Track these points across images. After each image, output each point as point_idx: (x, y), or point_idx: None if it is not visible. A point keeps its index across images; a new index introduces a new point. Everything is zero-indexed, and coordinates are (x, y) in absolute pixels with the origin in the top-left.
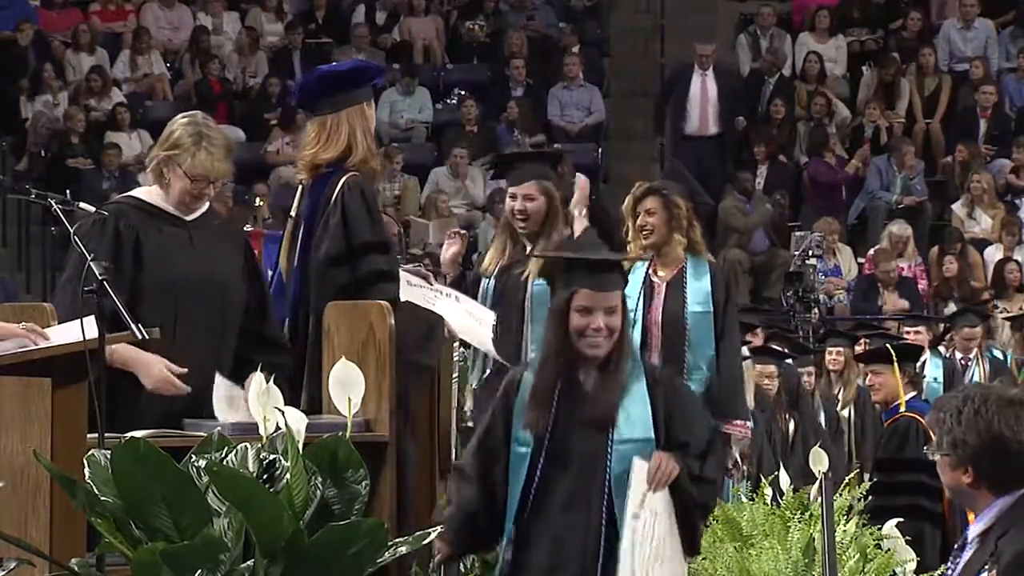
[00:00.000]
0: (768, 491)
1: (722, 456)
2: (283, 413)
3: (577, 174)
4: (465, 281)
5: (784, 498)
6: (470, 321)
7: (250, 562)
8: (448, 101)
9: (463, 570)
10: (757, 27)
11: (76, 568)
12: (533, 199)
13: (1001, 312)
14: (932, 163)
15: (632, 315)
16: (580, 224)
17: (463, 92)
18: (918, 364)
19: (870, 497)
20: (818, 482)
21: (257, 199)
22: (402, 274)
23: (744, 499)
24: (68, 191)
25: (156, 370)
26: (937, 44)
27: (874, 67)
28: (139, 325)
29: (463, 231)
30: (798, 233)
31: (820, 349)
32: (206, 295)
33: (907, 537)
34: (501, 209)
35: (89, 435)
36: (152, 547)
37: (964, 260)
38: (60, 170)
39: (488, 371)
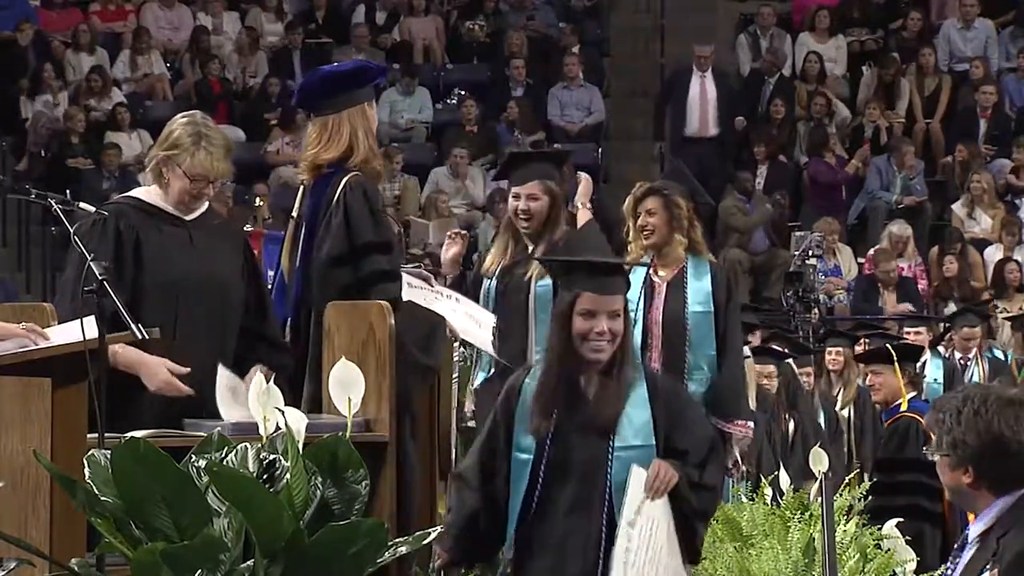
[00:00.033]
0: (768, 491)
1: (723, 462)
2: (283, 413)
3: (579, 172)
4: (465, 281)
5: (784, 498)
6: (470, 323)
7: (250, 562)
8: (448, 101)
9: (464, 572)
10: (757, 27)
11: (76, 568)
12: (537, 199)
13: (1001, 312)
14: (932, 163)
15: (633, 315)
16: (584, 216)
17: (463, 92)
18: (918, 364)
19: (870, 497)
20: (818, 482)
21: (257, 199)
22: (403, 275)
23: (744, 499)
24: (68, 191)
25: (159, 372)
26: (937, 44)
27: (874, 67)
28: (139, 325)
29: (463, 232)
30: (798, 233)
31: (820, 349)
32: (206, 295)
33: (907, 537)
34: (501, 209)
35: (89, 435)
36: (152, 547)
37: (964, 260)
38: (60, 170)
39: (491, 371)
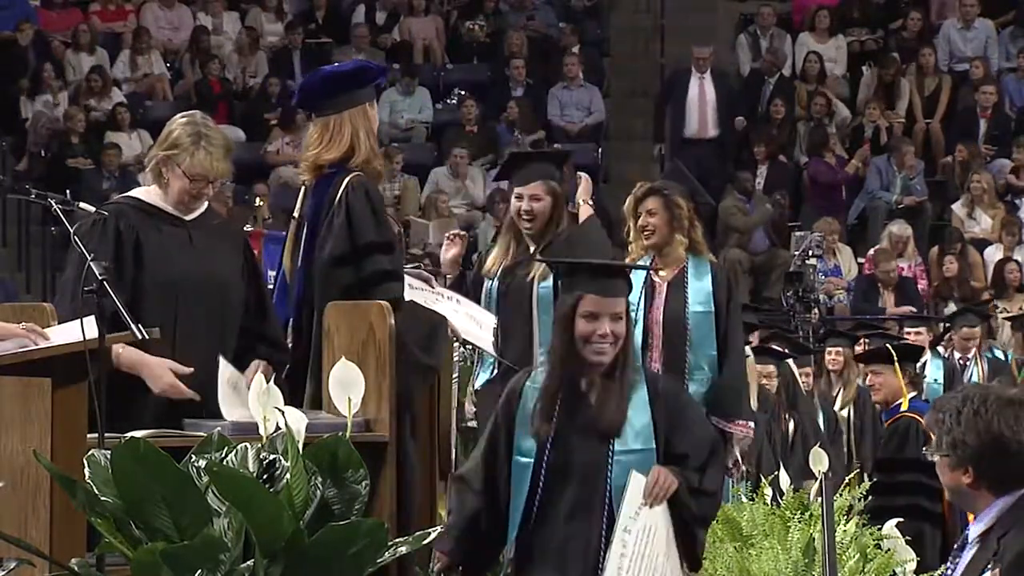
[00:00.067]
0: (768, 491)
1: (723, 466)
2: (283, 413)
3: (579, 172)
4: (465, 282)
5: (784, 498)
6: (471, 324)
7: (250, 562)
8: (448, 101)
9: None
10: (757, 27)
11: (76, 568)
12: (540, 199)
13: (1001, 312)
14: (932, 163)
15: (633, 315)
16: (586, 212)
17: (463, 92)
18: (919, 364)
19: (870, 497)
20: (818, 482)
21: (257, 199)
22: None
23: (744, 499)
24: (68, 191)
25: (163, 375)
26: (937, 44)
27: (874, 67)
28: (139, 325)
29: (462, 233)
30: (798, 233)
31: (820, 349)
32: (206, 295)
33: (907, 537)
34: (501, 209)
35: (89, 435)
36: (152, 547)
37: (964, 260)
38: (60, 170)
39: (494, 373)
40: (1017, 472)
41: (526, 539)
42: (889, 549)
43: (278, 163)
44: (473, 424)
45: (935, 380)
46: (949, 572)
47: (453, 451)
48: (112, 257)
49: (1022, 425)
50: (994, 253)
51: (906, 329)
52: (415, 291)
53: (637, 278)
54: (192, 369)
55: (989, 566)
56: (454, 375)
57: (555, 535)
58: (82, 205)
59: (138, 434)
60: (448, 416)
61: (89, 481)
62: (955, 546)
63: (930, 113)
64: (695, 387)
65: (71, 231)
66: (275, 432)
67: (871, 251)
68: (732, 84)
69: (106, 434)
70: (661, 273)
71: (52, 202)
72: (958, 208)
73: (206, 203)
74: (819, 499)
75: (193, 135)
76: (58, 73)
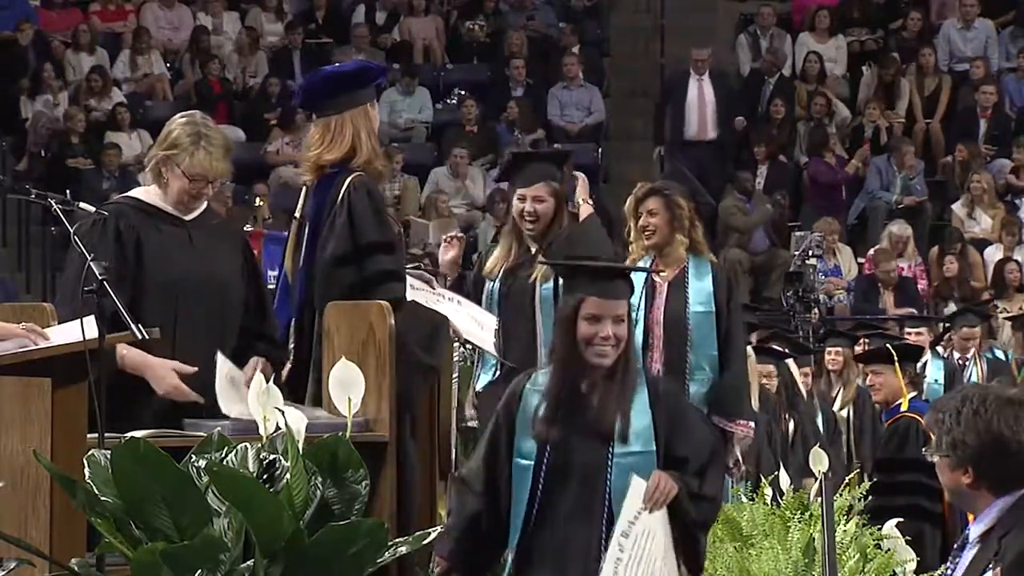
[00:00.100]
0: (768, 491)
1: (723, 470)
2: (283, 413)
3: (575, 172)
4: (465, 282)
5: (784, 498)
6: (472, 325)
7: (250, 562)
8: (448, 101)
9: None
10: (757, 27)
11: (76, 568)
12: (543, 201)
13: (1001, 312)
14: (932, 163)
15: (634, 315)
16: (586, 212)
17: (463, 92)
18: (919, 365)
19: (870, 497)
20: (818, 482)
21: (257, 199)
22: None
23: (744, 499)
24: (68, 191)
25: (167, 377)
26: (937, 44)
27: (874, 67)
28: (139, 325)
29: (460, 235)
30: (798, 233)
31: (820, 349)
32: (206, 295)
33: (907, 537)
34: (501, 209)
35: (89, 435)
36: (152, 547)
37: (964, 260)
38: (60, 170)
39: (496, 375)
40: (1017, 472)
41: (526, 541)
42: (889, 549)
43: (278, 163)
44: (474, 424)
45: (935, 380)
46: (949, 572)
47: (453, 451)
48: (113, 257)
49: (1022, 425)
50: (994, 253)
51: (907, 329)
52: (416, 292)
53: (638, 278)
54: (196, 369)
55: (990, 565)
56: (454, 375)
57: (555, 537)
58: (82, 205)
59: (138, 434)
60: (448, 416)
61: (89, 481)
62: (955, 546)
63: (930, 113)
64: (696, 387)
65: (71, 231)
66: (275, 432)
67: (871, 251)
68: (732, 84)
69: (106, 434)
70: (662, 273)
71: (52, 202)
72: (958, 208)
73: (205, 203)
74: (819, 499)
75: (193, 135)
76: (58, 73)
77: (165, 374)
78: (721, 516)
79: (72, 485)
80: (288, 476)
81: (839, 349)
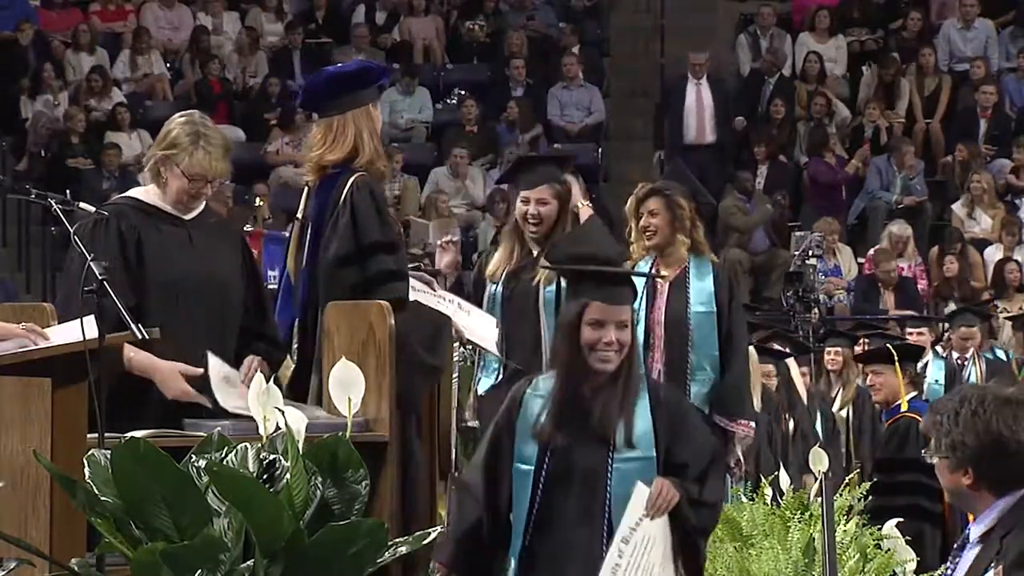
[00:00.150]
0: (768, 491)
1: (723, 476)
2: (283, 413)
3: (567, 175)
4: (464, 284)
5: (784, 498)
6: (474, 327)
7: (250, 562)
8: (448, 101)
9: None
10: (757, 27)
11: (76, 568)
12: (546, 203)
13: (1001, 312)
14: (932, 163)
15: (635, 315)
16: (586, 213)
17: (463, 92)
18: (919, 365)
19: (870, 497)
20: (818, 482)
21: (257, 199)
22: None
23: (744, 499)
24: (68, 191)
25: (175, 381)
26: (937, 44)
27: (874, 67)
28: (139, 325)
29: (455, 239)
30: (798, 233)
31: (820, 349)
32: (206, 294)
33: (907, 537)
34: (501, 209)
35: (89, 435)
36: (152, 547)
37: (964, 260)
38: (60, 170)
39: (498, 378)
40: (1017, 472)
41: (527, 546)
42: (889, 549)
43: (278, 163)
44: (474, 424)
45: (936, 381)
46: (949, 572)
47: (453, 451)
48: (116, 257)
49: (1021, 424)
50: (994, 253)
51: (907, 329)
52: (417, 293)
53: (639, 280)
54: (202, 371)
55: (992, 565)
56: (454, 375)
57: (555, 542)
58: (82, 205)
59: (138, 434)
60: (448, 416)
61: (89, 481)
62: (955, 546)
63: (930, 113)
64: (697, 387)
65: (71, 231)
66: (275, 432)
67: (871, 251)
68: (732, 85)
69: (106, 434)
70: (663, 273)
71: (52, 202)
72: (958, 208)
73: (204, 203)
74: (819, 499)
75: (192, 135)
76: (58, 73)
77: (173, 378)
78: (721, 516)
79: (72, 485)
80: (288, 476)
81: (839, 349)
